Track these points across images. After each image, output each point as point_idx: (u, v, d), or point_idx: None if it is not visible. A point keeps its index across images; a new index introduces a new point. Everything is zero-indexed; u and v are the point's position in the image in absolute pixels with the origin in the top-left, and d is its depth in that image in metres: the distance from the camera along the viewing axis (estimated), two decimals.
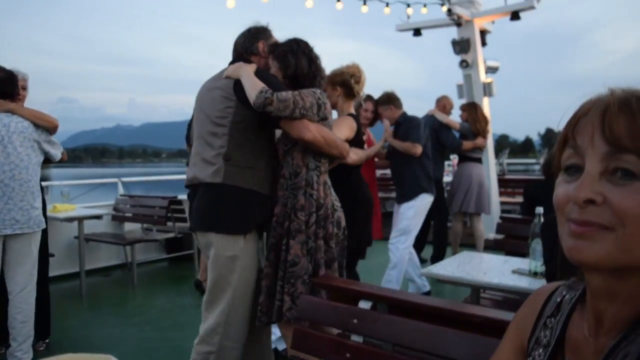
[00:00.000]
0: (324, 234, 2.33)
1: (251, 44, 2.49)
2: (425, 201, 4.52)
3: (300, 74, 2.42)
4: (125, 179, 6.56)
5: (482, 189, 5.61)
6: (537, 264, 2.42)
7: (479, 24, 7.11)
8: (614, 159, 0.66)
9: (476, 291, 2.70)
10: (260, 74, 2.30)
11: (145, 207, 5.72)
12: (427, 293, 4.73)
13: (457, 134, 5.59)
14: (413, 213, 4.46)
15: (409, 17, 7.21)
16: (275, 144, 2.45)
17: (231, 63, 2.49)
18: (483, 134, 5.63)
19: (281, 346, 3.27)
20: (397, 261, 4.41)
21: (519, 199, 8.23)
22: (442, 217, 5.51)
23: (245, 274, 2.31)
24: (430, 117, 5.33)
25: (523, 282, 2.35)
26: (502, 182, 8.23)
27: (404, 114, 4.56)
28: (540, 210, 2.47)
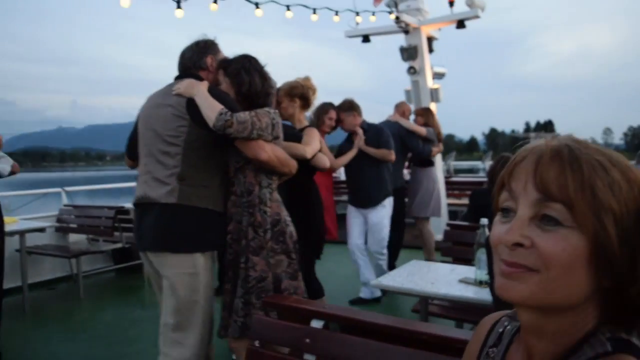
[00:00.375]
0: (283, 248, 2.38)
1: (199, 58, 2.46)
2: (391, 205, 4.76)
3: (254, 92, 2.44)
4: (69, 189, 6.35)
5: (439, 192, 5.79)
6: (482, 273, 2.51)
7: (426, 31, 7.28)
8: (543, 206, 0.71)
9: (425, 300, 2.77)
10: (213, 92, 2.29)
11: (90, 218, 5.56)
12: (379, 299, 4.81)
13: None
14: (387, 219, 4.72)
15: (357, 24, 7.31)
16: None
17: (178, 77, 2.46)
18: (441, 138, 5.80)
19: None
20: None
21: (465, 200, 8.49)
22: (402, 224, 5.58)
23: (207, 290, 2.31)
24: (394, 124, 5.36)
25: (469, 292, 2.44)
26: (449, 184, 8.47)
27: (364, 121, 4.68)
28: (485, 221, 2.56)
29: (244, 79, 2.42)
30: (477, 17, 6.88)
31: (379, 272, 4.78)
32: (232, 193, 2.39)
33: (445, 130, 7.42)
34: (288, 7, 5.53)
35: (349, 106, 4.59)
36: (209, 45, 2.50)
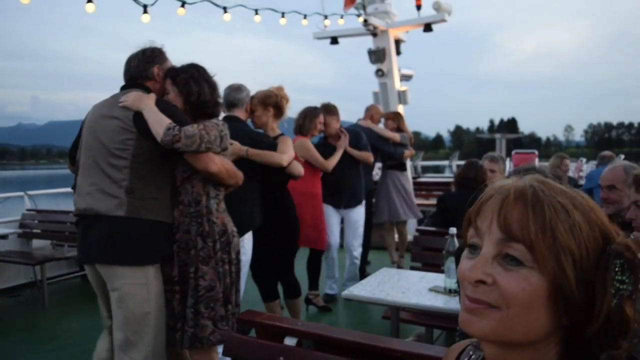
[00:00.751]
0: (230, 258, 2.43)
1: (146, 68, 2.44)
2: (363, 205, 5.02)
3: (203, 101, 2.44)
4: (31, 192, 6.17)
5: (410, 194, 5.88)
6: (452, 282, 2.56)
7: (394, 34, 7.34)
8: (506, 245, 0.74)
9: (396, 309, 2.81)
10: (161, 105, 2.29)
11: (55, 223, 5.43)
12: (333, 296, 4.96)
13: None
14: (363, 218, 5.00)
15: (326, 27, 7.32)
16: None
17: (124, 87, 2.45)
18: (412, 142, 5.89)
19: None
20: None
21: (433, 201, 8.61)
22: (370, 225, 5.65)
23: (159, 300, 2.31)
24: (365, 128, 5.40)
25: (439, 301, 2.49)
26: (417, 185, 8.56)
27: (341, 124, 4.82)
28: (453, 230, 2.61)
29: (193, 89, 2.42)
30: (443, 20, 6.97)
31: (353, 272, 5.05)
32: (180, 202, 2.39)
33: (411, 128, 7.53)
34: (256, 11, 5.51)
35: (334, 110, 4.69)
36: (156, 54, 2.48)
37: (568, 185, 0.82)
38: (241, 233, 3.18)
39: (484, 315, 0.74)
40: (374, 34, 7.09)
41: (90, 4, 3.88)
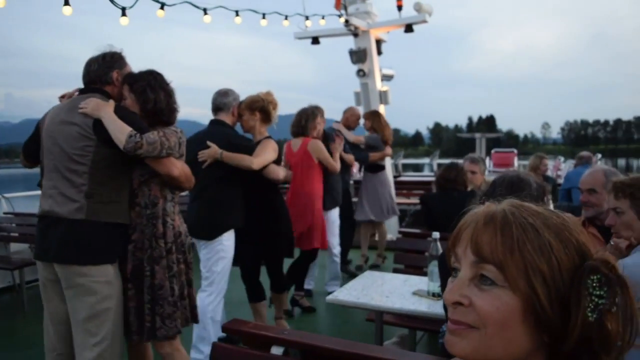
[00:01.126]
0: (184, 258, 2.57)
1: (105, 73, 2.50)
2: None
3: (159, 109, 2.53)
4: (8, 195, 6.06)
5: (389, 195, 5.93)
6: (435, 285, 2.59)
7: (375, 34, 7.36)
8: (479, 267, 0.78)
9: (380, 312, 2.83)
10: (120, 112, 2.37)
11: (33, 226, 5.31)
12: (310, 291, 5.08)
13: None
14: (338, 217, 5.07)
15: (307, 27, 7.31)
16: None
17: (83, 91, 2.50)
18: (389, 141, 5.90)
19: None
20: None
21: (414, 200, 8.68)
22: (350, 224, 5.69)
23: (119, 296, 2.43)
24: (336, 131, 5.44)
25: (423, 305, 2.52)
26: (398, 184, 8.62)
27: None
28: (436, 235, 2.64)
29: (149, 97, 2.49)
30: (424, 21, 7.01)
31: (335, 270, 5.17)
32: (137, 204, 2.48)
33: (391, 125, 7.59)
34: (237, 13, 5.48)
35: (322, 113, 4.70)
36: (116, 59, 2.54)
37: (545, 206, 0.85)
38: (218, 233, 3.37)
39: (464, 336, 0.77)
40: (355, 34, 7.11)
41: (67, 7, 3.82)
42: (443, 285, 2.11)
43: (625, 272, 1.88)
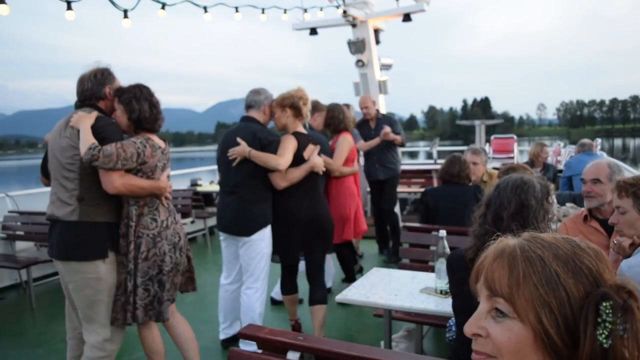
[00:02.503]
0: (135, 256, 2.80)
1: (99, 90, 2.82)
2: None
3: (143, 118, 2.81)
4: (13, 193, 6.07)
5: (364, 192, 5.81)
6: (442, 283, 2.63)
7: (373, 24, 7.34)
8: (493, 300, 0.83)
9: (389, 311, 2.88)
10: (100, 122, 2.70)
11: (38, 225, 5.35)
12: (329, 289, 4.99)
13: None
14: None
15: (305, 20, 7.29)
16: None
17: (78, 107, 2.82)
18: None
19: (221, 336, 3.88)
20: None
21: (414, 188, 8.70)
22: None
23: (111, 289, 2.77)
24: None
25: (431, 303, 2.55)
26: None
27: None
28: (443, 233, 2.67)
29: (135, 107, 2.79)
30: (422, 10, 6.99)
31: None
32: (125, 202, 2.81)
33: (385, 109, 7.64)
34: (237, 9, 5.45)
35: (319, 107, 4.78)
36: (106, 76, 2.85)
37: (561, 235, 0.87)
38: (257, 229, 3.48)
39: None
40: (353, 25, 7.09)
41: (70, 11, 3.79)
42: (451, 285, 2.14)
43: (629, 272, 1.92)
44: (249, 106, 3.62)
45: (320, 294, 3.68)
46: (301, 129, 3.64)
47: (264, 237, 3.53)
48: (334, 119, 4.70)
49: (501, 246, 0.86)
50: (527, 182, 1.97)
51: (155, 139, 2.88)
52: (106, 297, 2.73)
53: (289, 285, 3.83)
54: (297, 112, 3.56)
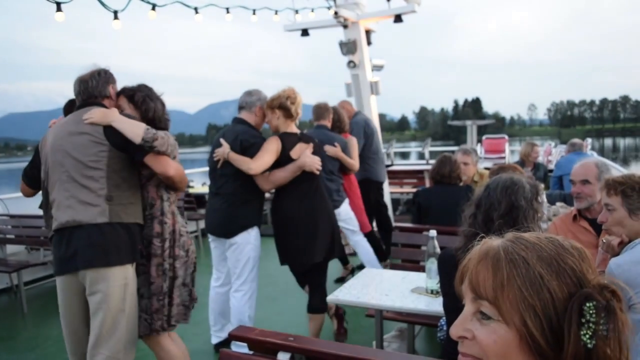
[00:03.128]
0: (172, 254, 2.69)
1: (104, 88, 2.69)
2: None
3: (157, 117, 2.76)
4: (3, 196, 6.03)
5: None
6: (433, 282, 2.64)
7: (364, 25, 7.34)
8: (477, 303, 0.84)
9: (380, 311, 2.88)
10: (126, 116, 2.56)
11: (29, 228, 5.32)
12: None
13: None
14: None
15: (296, 20, 7.29)
16: None
17: (82, 106, 2.63)
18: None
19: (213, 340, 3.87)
20: None
21: (406, 189, 8.73)
22: None
23: (133, 299, 2.56)
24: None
25: (422, 303, 2.57)
26: (390, 173, 8.66)
27: None
28: (433, 233, 2.68)
29: (150, 106, 2.74)
30: (413, 11, 7.00)
31: None
32: (157, 198, 2.70)
33: (377, 110, 7.69)
34: (227, 10, 5.44)
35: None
36: (109, 75, 2.74)
37: (545, 235, 0.88)
38: (237, 231, 3.46)
39: None
40: (345, 26, 7.09)
41: (59, 12, 3.77)
42: (442, 285, 2.15)
43: (617, 271, 1.93)
44: (240, 107, 3.61)
45: (318, 301, 3.56)
46: (293, 129, 3.57)
47: (249, 240, 3.50)
48: (340, 122, 5.00)
49: (485, 248, 0.86)
50: (516, 183, 1.98)
51: None
52: (127, 308, 2.51)
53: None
54: (287, 113, 3.49)
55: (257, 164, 3.32)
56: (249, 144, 3.42)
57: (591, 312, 0.75)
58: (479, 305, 0.83)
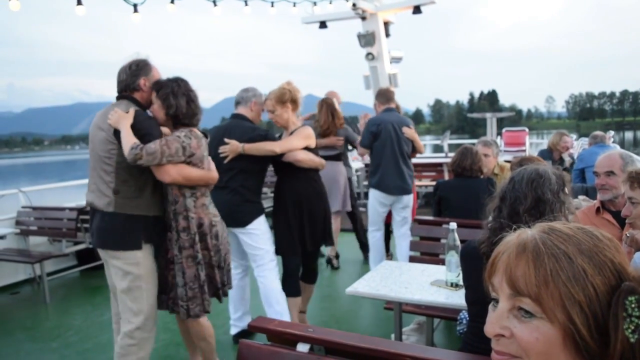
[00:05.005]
0: (205, 246, 2.89)
1: (133, 81, 2.82)
2: None
3: (180, 113, 2.83)
4: (25, 189, 6.13)
5: (347, 187, 5.58)
6: (453, 275, 2.62)
7: (383, 16, 7.30)
8: (516, 300, 0.80)
9: (399, 303, 2.87)
10: (138, 118, 2.71)
11: (52, 220, 5.41)
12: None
13: None
14: None
15: (314, 12, 7.27)
16: None
17: (118, 97, 2.84)
18: (330, 133, 5.35)
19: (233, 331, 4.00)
20: None
21: (425, 182, 8.67)
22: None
23: (150, 276, 2.82)
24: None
25: (441, 296, 2.55)
26: None
27: None
28: (453, 225, 2.65)
29: (172, 103, 2.80)
30: (432, 2, 6.94)
31: None
32: (168, 202, 2.88)
33: None
34: (246, 2, 5.45)
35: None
36: (141, 67, 2.84)
37: (575, 225, 0.85)
38: (252, 218, 3.58)
39: None
40: (363, 18, 7.06)
41: (80, 6, 3.80)
42: (465, 277, 2.13)
43: None
44: (237, 102, 3.70)
45: (313, 276, 3.96)
46: (298, 122, 3.75)
47: (260, 224, 3.63)
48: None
49: (520, 240, 0.82)
50: (542, 175, 1.90)
51: (196, 131, 2.90)
52: (144, 284, 2.78)
53: (293, 285, 3.81)
54: (295, 105, 3.67)
55: (283, 144, 3.49)
56: (260, 137, 3.54)
57: (633, 305, 0.73)
58: (518, 302, 0.79)
